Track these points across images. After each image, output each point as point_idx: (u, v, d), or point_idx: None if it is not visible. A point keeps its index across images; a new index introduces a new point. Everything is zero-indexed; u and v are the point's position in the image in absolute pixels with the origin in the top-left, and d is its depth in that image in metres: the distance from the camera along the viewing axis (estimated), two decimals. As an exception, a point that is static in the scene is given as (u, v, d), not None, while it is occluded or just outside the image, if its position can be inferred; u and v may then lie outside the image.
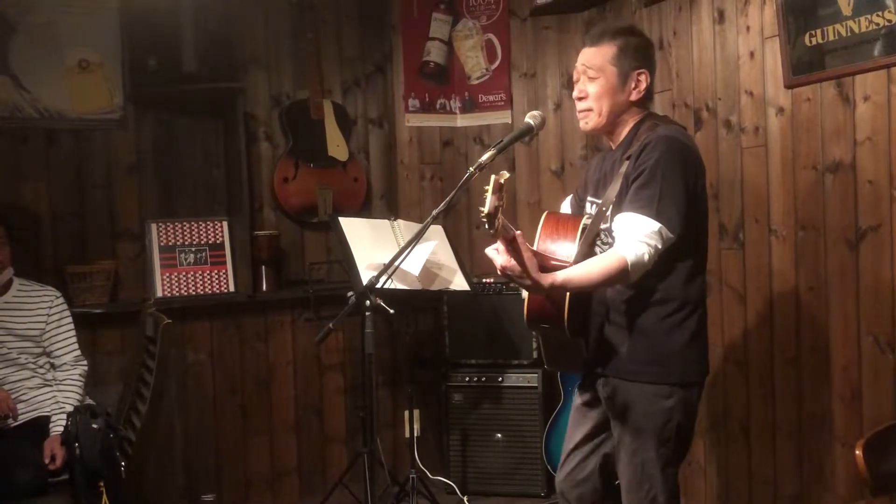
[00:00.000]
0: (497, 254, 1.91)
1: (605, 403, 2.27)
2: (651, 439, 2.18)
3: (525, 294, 2.16)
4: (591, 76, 2.23)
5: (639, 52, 2.24)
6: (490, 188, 1.75)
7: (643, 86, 2.23)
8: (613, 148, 2.32)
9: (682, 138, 2.20)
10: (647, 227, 2.02)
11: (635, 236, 2.01)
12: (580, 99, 2.26)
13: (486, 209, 1.74)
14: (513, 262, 1.88)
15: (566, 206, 2.54)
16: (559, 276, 1.95)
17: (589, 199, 2.37)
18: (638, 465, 2.19)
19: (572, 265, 2.03)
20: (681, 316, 2.17)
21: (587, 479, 2.38)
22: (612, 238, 2.12)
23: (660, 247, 2.03)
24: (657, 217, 2.03)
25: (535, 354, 3.84)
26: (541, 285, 1.92)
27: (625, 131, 2.26)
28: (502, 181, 1.78)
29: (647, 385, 2.18)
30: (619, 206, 2.13)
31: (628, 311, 2.19)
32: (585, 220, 2.22)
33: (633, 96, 2.23)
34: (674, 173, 2.09)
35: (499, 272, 1.93)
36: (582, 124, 2.29)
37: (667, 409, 2.17)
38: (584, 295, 2.18)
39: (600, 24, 3.31)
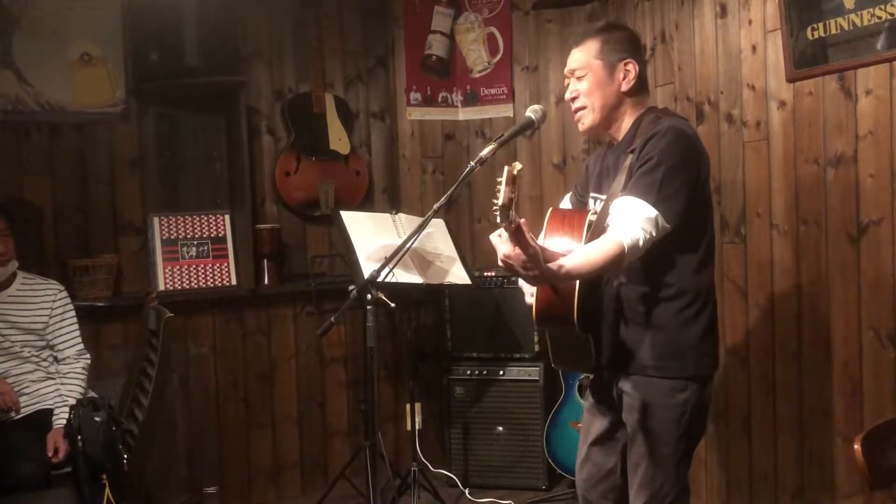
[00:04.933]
0: (501, 241, 1.84)
1: (620, 400, 2.25)
2: (667, 434, 2.17)
3: (532, 290, 2.14)
4: (579, 75, 2.24)
5: (623, 43, 2.24)
6: (504, 179, 1.69)
7: (632, 75, 2.21)
8: (615, 144, 2.30)
9: (687, 129, 2.18)
10: (645, 213, 2.00)
11: (632, 221, 1.99)
12: (573, 99, 2.26)
13: (499, 201, 1.69)
14: (517, 250, 1.80)
15: (566, 204, 2.52)
16: (561, 263, 1.88)
17: (592, 195, 2.35)
18: (654, 460, 2.18)
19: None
20: (695, 309, 2.17)
21: (608, 475, 2.35)
22: None
23: (654, 234, 2.00)
24: (655, 205, 2.01)
25: (536, 348, 3.85)
26: (544, 274, 1.84)
27: (626, 126, 2.24)
28: (515, 172, 1.71)
29: (665, 380, 2.16)
30: None
31: (644, 307, 2.17)
32: (591, 217, 2.20)
33: (624, 87, 2.22)
34: (676, 165, 2.07)
35: (500, 261, 1.86)
36: (580, 126, 2.28)
37: (683, 403, 2.16)
38: (594, 290, 2.16)
39: (584, 26, 3.39)
